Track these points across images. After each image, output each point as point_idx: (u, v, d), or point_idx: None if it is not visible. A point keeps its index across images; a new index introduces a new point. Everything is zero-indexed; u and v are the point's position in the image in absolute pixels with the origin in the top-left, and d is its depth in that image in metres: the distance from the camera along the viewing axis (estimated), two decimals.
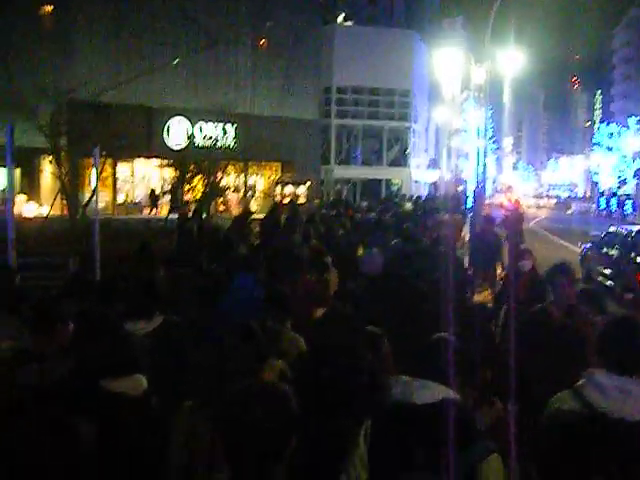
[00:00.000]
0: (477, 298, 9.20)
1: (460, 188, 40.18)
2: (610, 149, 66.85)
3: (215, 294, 5.63)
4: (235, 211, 27.06)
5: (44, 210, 24.06)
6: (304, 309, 5.52)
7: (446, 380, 2.72)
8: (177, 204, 24.22)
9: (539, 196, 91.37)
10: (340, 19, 46.89)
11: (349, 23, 47.08)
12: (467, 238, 18.24)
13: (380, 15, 49.83)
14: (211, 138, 30.79)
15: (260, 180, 38.38)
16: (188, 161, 25.07)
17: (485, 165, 20.47)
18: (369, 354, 3.61)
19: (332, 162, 44.04)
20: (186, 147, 30.41)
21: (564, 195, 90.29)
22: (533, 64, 52.41)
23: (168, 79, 31.84)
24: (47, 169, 25.27)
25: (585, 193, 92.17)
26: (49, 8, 30.01)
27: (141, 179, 34.71)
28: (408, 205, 20.83)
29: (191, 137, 31.60)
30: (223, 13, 34.01)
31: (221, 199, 29.37)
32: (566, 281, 5.16)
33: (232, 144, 32.59)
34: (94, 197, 12.80)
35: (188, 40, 32.85)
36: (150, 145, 31.87)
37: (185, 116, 32.52)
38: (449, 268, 6.07)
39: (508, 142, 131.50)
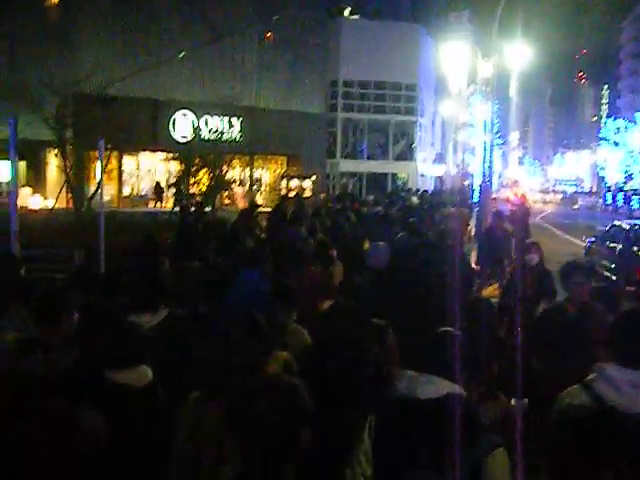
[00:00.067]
0: (485, 293, 9.16)
1: (466, 182, 40.13)
2: (617, 144, 66.61)
3: (221, 287, 5.61)
4: (240, 204, 27.09)
5: (49, 203, 24.09)
6: (310, 302, 5.50)
7: (452, 374, 2.70)
8: (182, 197, 24.27)
9: (545, 191, 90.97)
10: (347, 13, 46.73)
11: (355, 17, 46.90)
12: (473, 232, 18.22)
13: (386, 9, 49.57)
14: (217, 131, 30.88)
15: (266, 174, 38.37)
16: (193, 154, 25.15)
17: (492, 159, 20.38)
18: (375, 346, 3.59)
19: (338, 156, 43.94)
20: (192, 140, 30.49)
21: (570, 190, 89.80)
22: (540, 58, 52.14)
23: (174, 72, 31.84)
24: (52, 162, 25.34)
25: (591, 188, 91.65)
26: (55, 0, 30.01)
27: (147, 172, 34.76)
28: (414, 199, 20.75)
29: (197, 130, 31.64)
30: (230, 6, 33.95)
31: (226, 192, 29.41)
32: (581, 279, 5.20)
33: (238, 137, 32.64)
34: (99, 190, 12.79)
35: (194, 33, 32.80)
36: (156, 138, 31.91)
37: (191, 109, 32.49)
38: (455, 262, 6.05)
39: (514, 136, 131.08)
